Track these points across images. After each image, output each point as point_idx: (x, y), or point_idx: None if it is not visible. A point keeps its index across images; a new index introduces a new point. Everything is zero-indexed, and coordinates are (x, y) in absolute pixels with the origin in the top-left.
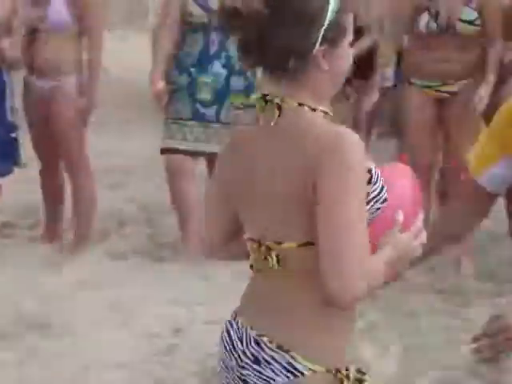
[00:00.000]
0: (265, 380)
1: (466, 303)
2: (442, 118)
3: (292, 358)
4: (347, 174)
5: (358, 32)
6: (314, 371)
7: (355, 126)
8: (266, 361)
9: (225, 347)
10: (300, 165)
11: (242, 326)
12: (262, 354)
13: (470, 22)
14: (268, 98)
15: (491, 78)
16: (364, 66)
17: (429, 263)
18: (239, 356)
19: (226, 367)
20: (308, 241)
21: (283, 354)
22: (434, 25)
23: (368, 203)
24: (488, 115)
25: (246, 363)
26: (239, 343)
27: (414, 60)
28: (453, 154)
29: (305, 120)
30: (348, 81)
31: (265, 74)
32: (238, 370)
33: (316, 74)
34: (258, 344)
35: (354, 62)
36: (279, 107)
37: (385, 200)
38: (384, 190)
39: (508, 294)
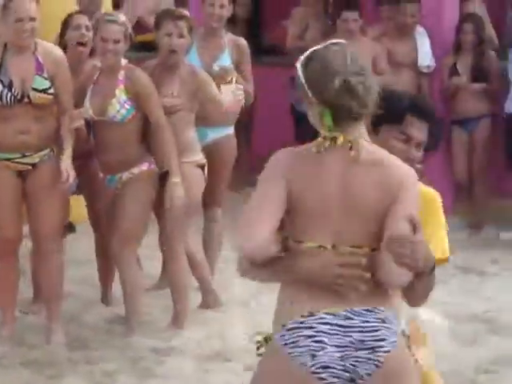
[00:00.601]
0: (393, 332)
1: (59, 373)
2: (25, 191)
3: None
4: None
5: None
6: (403, 331)
7: None
8: (388, 319)
9: (330, 334)
10: (385, 185)
11: (334, 314)
12: (380, 315)
13: (43, 91)
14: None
15: (69, 150)
16: None
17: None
18: (357, 331)
19: (335, 346)
20: (375, 247)
21: (392, 316)
22: (8, 95)
23: None
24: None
25: (373, 326)
26: (342, 323)
27: None
28: (36, 225)
29: (376, 152)
30: None
31: (344, 123)
32: (358, 339)
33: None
34: (371, 312)
35: None
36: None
37: None
38: None
39: (101, 362)
